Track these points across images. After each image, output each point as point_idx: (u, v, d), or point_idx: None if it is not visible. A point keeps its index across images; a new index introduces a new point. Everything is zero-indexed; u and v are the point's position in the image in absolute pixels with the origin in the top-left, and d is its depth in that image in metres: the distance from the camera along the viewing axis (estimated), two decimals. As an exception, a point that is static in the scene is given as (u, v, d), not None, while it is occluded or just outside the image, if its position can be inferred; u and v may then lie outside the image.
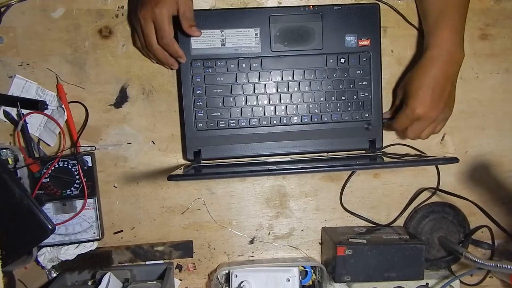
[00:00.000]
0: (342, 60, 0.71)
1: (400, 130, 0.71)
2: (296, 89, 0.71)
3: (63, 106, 0.68)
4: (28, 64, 0.69)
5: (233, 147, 0.71)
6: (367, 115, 0.72)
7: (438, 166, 0.76)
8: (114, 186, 0.72)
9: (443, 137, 0.77)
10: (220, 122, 0.70)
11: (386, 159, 0.69)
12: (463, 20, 0.67)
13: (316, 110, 0.71)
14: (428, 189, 0.76)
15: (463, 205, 0.76)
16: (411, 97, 0.67)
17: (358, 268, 0.68)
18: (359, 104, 0.72)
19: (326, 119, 0.71)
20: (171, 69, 0.70)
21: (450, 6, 0.66)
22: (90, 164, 0.69)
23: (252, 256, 0.76)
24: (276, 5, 0.73)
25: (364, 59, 0.71)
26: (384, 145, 0.74)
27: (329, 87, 0.71)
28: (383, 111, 0.74)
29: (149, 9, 0.60)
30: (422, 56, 0.67)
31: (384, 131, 0.73)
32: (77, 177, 0.68)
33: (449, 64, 0.66)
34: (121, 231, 0.73)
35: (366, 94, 0.72)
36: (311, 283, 0.74)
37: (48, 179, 0.67)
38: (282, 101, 0.71)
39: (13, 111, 0.68)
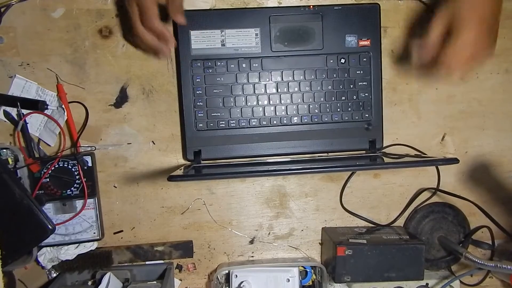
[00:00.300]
0: (342, 60, 0.71)
1: (445, 64, 0.61)
2: (296, 89, 0.71)
3: (63, 106, 0.68)
4: (28, 64, 0.69)
5: (233, 147, 0.71)
6: (367, 115, 0.72)
7: (438, 166, 0.76)
8: (114, 186, 0.72)
9: (443, 137, 0.77)
10: (220, 122, 0.70)
11: (386, 159, 0.69)
12: None
13: (316, 110, 0.71)
14: (428, 189, 0.76)
15: (463, 205, 0.76)
16: (467, 26, 0.58)
17: (358, 268, 0.68)
18: (359, 104, 0.72)
19: (326, 119, 0.71)
20: (161, 57, 0.66)
21: None
22: (90, 164, 0.69)
23: (252, 256, 0.76)
24: (276, 5, 0.72)
25: (364, 59, 0.71)
26: (384, 145, 0.74)
27: (329, 87, 0.71)
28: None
29: None
30: None
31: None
32: (77, 177, 0.68)
33: None
34: (121, 231, 0.73)
35: (366, 94, 0.72)
36: (311, 283, 0.74)
37: (48, 179, 0.67)
38: (282, 101, 0.71)
39: (13, 111, 0.68)
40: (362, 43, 0.71)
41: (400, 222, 0.77)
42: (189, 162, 0.72)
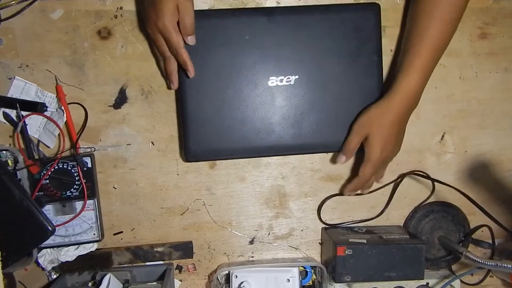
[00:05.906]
0: (341, 60, 0.71)
1: (365, 181, 0.69)
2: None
3: (62, 107, 0.68)
4: (27, 65, 0.69)
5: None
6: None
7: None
8: (114, 187, 0.72)
9: (442, 136, 0.77)
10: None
11: None
12: (436, 62, 0.66)
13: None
14: (414, 172, 0.75)
15: (463, 204, 0.76)
16: (375, 146, 0.65)
17: (358, 268, 0.68)
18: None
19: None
20: (170, 88, 0.68)
21: (428, 46, 0.64)
22: (89, 165, 0.69)
23: (252, 257, 0.76)
24: (275, 6, 0.72)
25: (363, 59, 0.71)
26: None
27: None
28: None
29: (153, 24, 0.61)
30: (389, 97, 0.65)
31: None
32: (76, 178, 0.68)
33: (410, 109, 0.66)
34: (121, 232, 0.73)
35: (365, 94, 0.71)
36: (311, 283, 0.74)
37: (47, 181, 0.67)
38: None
39: (12, 113, 0.68)
40: (361, 42, 0.71)
41: (400, 222, 0.77)
42: None
